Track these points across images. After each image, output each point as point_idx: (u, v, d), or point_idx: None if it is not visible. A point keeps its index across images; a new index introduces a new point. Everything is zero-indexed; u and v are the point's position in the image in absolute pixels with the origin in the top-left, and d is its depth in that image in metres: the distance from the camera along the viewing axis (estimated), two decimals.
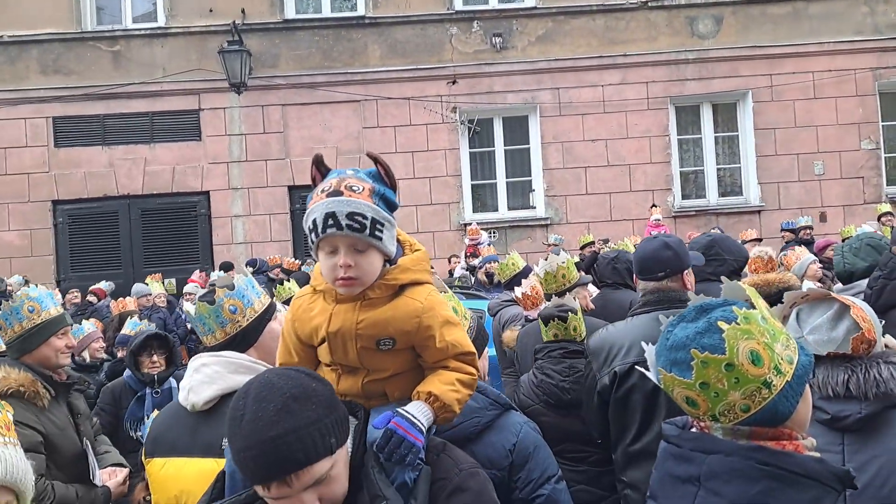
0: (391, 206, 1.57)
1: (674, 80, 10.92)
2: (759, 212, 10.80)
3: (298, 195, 10.86)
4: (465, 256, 9.30)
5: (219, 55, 10.26)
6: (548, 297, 3.81)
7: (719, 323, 1.21)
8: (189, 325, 8.37)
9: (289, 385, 1.28)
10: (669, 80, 10.92)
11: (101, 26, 10.96)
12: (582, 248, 9.28)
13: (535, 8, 10.94)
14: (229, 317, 1.94)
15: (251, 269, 9.59)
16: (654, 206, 10.32)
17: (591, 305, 4.00)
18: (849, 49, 10.82)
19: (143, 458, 1.96)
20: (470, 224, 9.89)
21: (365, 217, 1.48)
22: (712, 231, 8.49)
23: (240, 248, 10.75)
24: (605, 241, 9.29)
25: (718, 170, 11.18)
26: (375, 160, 1.60)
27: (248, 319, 1.96)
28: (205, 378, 1.89)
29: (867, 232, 4.22)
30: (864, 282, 3.27)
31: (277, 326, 1.98)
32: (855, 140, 10.84)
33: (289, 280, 7.38)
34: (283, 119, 10.88)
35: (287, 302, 6.65)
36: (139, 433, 3.71)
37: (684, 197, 11.09)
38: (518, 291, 4.19)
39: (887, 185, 10.93)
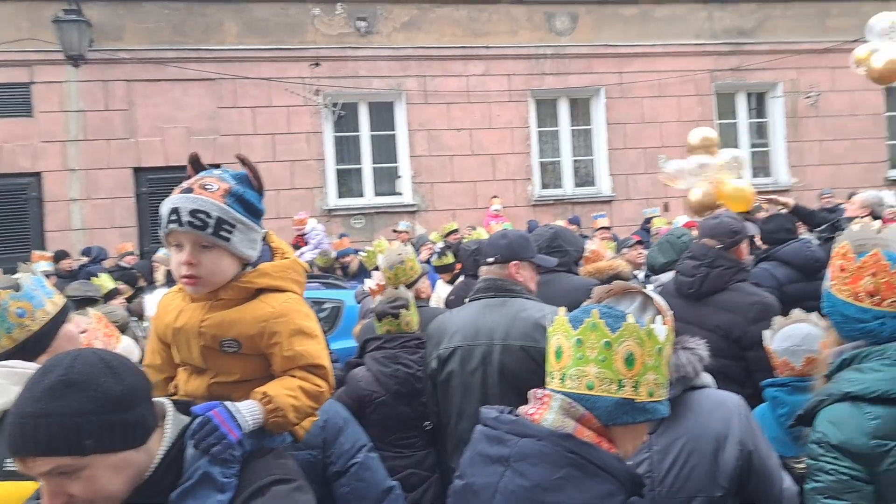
0: (252, 210, 1.55)
1: (534, 74, 11.26)
2: (610, 201, 11.41)
3: (145, 177, 10.11)
4: (294, 248, 9.03)
5: (53, 24, 9.27)
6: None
7: (627, 316, 1.31)
8: None
9: (76, 369, 1.15)
10: (530, 74, 11.24)
11: None
12: (446, 235, 9.36)
13: None
14: (16, 321, 1.72)
15: (87, 259, 8.81)
16: (494, 196, 10.54)
17: None
18: (690, 51, 11.67)
19: None
20: (300, 216, 9.61)
21: (209, 215, 1.47)
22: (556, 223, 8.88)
23: (77, 234, 9.83)
24: (474, 228, 9.43)
25: (574, 161, 11.70)
26: (243, 162, 1.60)
27: (39, 323, 1.75)
28: None
29: (677, 228, 4.62)
30: (667, 275, 3.60)
31: (73, 329, 1.83)
32: None
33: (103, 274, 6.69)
34: (129, 96, 10.06)
35: (108, 296, 6.09)
36: None
37: (543, 186, 11.50)
38: (368, 283, 4.16)
39: None
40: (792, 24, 11.98)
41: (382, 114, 11.09)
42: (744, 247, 3.38)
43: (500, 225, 8.94)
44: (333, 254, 8.78)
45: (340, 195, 10.89)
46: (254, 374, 1.56)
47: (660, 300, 1.87)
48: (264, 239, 1.66)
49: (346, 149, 11.05)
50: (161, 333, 1.62)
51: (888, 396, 1.51)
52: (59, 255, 8.71)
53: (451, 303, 4.44)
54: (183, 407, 1.37)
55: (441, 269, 6.06)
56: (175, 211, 1.47)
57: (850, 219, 5.38)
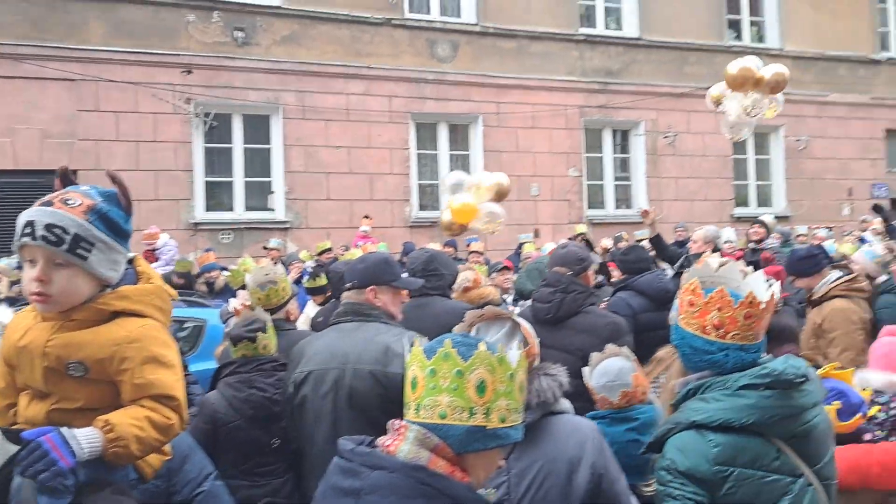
0: (116, 230, 1.49)
1: (414, 98, 11.41)
2: None
3: None
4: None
5: None
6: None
7: (480, 344, 1.32)
8: None
9: None
10: (411, 97, 11.39)
11: None
12: (319, 254, 9.21)
13: (280, 7, 10.68)
14: None
15: None
16: (365, 216, 10.44)
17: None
18: (562, 87, 12.28)
19: None
20: (152, 229, 9.00)
21: (66, 231, 1.39)
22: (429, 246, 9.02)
23: None
24: (347, 248, 9.34)
25: None
26: (113, 179, 1.54)
27: None
28: None
29: (546, 255, 4.82)
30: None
31: None
32: (564, 167, 12.33)
33: None
34: None
35: None
36: None
37: (421, 208, 11.63)
38: (233, 303, 4.01)
39: (588, 208, 12.59)
40: (653, 69, 12.92)
41: (257, 127, 10.81)
42: (590, 273, 3.60)
43: (369, 246, 8.94)
44: (192, 257, 8.36)
45: (209, 208, 10.46)
46: (99, 403, 1.47)
47: (527, 326, 1.93)
48: (131, 262, 1.59)
49: (218, 161, 10.66)
50: (6, 355, 1.52)
51: (729, 424, 1.61)
52: None
53: (318, 325, 4.37)
54: (14, 435, 1.29)
55: (313, 291, 5.94)
56: (30, 224, 1.39)
57: (697, 255, 5.86)
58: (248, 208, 10.71)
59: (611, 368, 2.33)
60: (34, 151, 9.38)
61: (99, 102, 9.76)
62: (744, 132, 7.26)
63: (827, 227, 11.12)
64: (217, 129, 10.47)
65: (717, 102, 7.73)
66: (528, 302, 4.03)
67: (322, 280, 5.75)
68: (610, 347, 2.42)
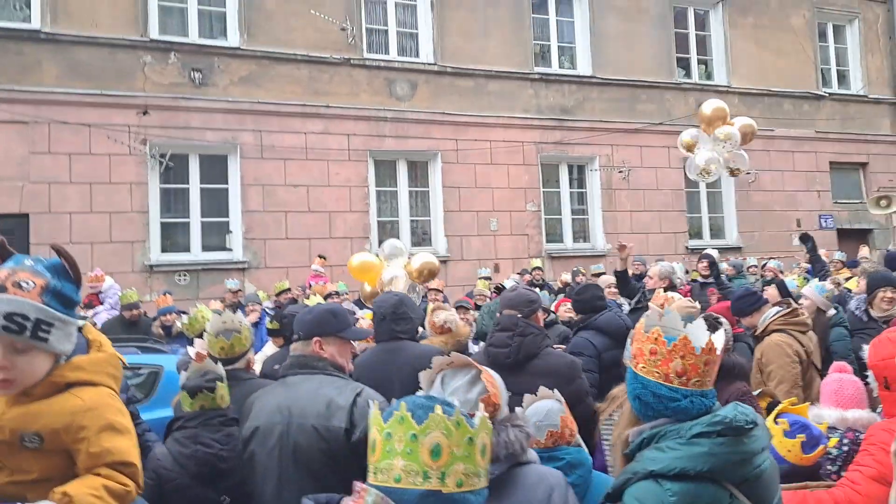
0: (68, 303, 1.49)
1: (373, 136, 11.52)
2: (445, 261, 11.78)
3: None
4: (84, 306, 8.19)
5: None
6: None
7: (437, 406, 1.34)
8: None
9: None
10: (369, 135, 11.49)
11: None
12: (278, 294, 9.14)
13: (238, 48, 10.75)
14: None
15: None
16: (320, 256, 10.43)
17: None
18: (518, 124, 12.53)
19: None
20: (97, 273, 8.78)
21: (26, 318, 1.39)
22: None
23: None
24: (309, 287, 9.29)
25: (412, 221, 12.02)
26: (59, 252, 1.52)
27: None
28: None
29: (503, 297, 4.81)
30: None
31: None
32: (522, 202, 12.52)
33: None
34: None
35: None
36: None
37: (380, 245, 11.60)
38: (191, 352, 3.94)
39: (546, 242, 12.77)
40: (606, 106, 13.28)
41: (215, 167, 10.78)
42: (540, 314, 3.66)
43: (324, 287, 8.95)
44: (148, 299, 8.21)
45: (164, 249, 10.35)
46: (53, 474, 1.46)
47: (492, 374, 1.95)
48: (80, 330, 1.59)
49: (173, 201, 10.59)
50: None
51: (684, 473, 1.65)
52: None
53: (270, 371, 4.30)
54: None
55: (273, 333, 5.89)
56: None
57: (652, 290, 5.99)
58: (206, 248, 10.62)
59: (540, 409, 2.36)
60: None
61: (51, 144, 9.64)
62: (711, 175, 7.64)
63: (776, 259, 11.46)
64: (174, 169, 10.41)
65: (689, 148, 8.11)
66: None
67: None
68: (543, 390, 2.46)
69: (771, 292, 5.64)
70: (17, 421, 1.44)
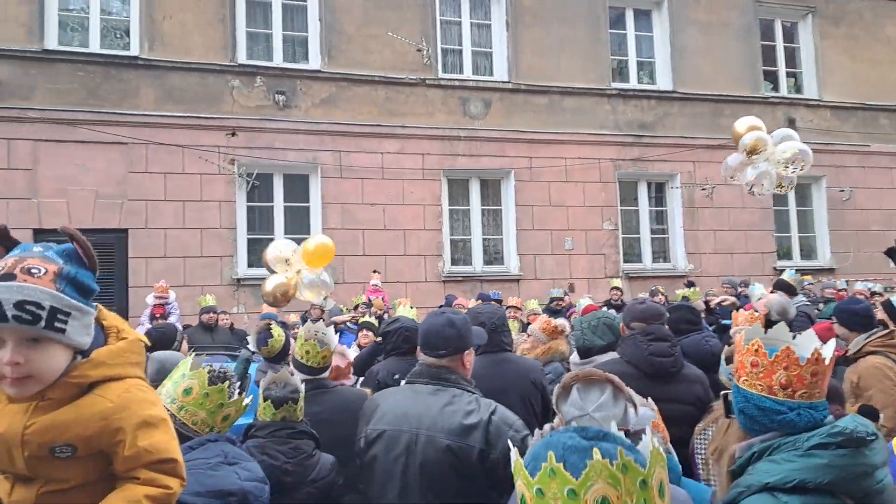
0: (85, 291, 1.38)
1: (447, 155, 11.67)
2: (518, 280, 11.76)
3: (45, 239, 9.72)
4: (153, 318, 8.68)
5: None
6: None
7: (595, 449, 1.07)
8: None
9: None
10: (443, 154, 11.65)
11: None
12: (355, 307, 9.43)
13: (319, 71, 11.17)
14: None
15: None
16: (375, 271, 10.63)
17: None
18: (595, 141, 12.38)
19: None
20: (162, 283, 9.35)
21: (40, 306, 1.28)
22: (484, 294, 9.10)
23: None
24: (367, 304, 9.51)
25: (484, 240, 12.06)
26: (72, 237, 1.39)
27: None
28: None
29: (604, 311, 4.63)
30: (603, 357, 3.59)
31: None
32: (598, 221, 12.33)
33: None
34: (34, 155, 9.85)
35: None
36: None
37: (453, 263, 11.75)
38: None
39: (624, 262, 12.50)
40: (688, 121, 12.93)
41: (297, 186, 11.21)
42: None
43: (378, 300, 9.26)
44: (235, 311, 8.64)
45: (250, 264, 10.82)
46: (91, 478, 1.39)
47: (628, 389, 1.92)
48: (95, 318, 1.44)
49: (258, 219, 11.07)
50: None
51: (803, 485, 1.58)
52: None
53: (379, 381, 4.30)
54: None
55: (366, 325, 6.52)
56: None
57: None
58: None
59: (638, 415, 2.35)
60: (87, 211, 9.92)
61: (148, 164, 10.30)
62: (764, 187, 7.24)
63: (873, 280, 10.80)
64: (259, 188, 10.90)
65: (752, 151, 7.79)
66: (595, 359, 3.62)
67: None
68: (638, 396, 2.44)
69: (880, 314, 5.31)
70: (45, 434, 1.33)
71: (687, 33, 13.05)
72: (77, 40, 10.41)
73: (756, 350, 1.72)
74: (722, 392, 1.95)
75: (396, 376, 4.32)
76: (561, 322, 4.65)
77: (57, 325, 1.30)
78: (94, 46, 10.38)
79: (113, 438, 1.37)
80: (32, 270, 1.30)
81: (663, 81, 13.04)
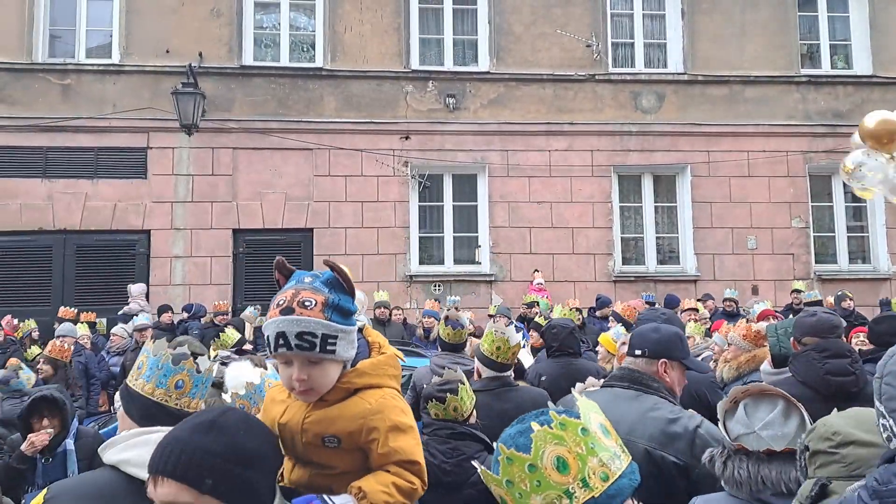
0: (346, 313, 1.62)
1: (617, 151, 11.35)
2: (695, 281, 11.14)
3: (242, 238, 10.78)
4: None
5: (172, 96, 10.22)
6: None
7: (532, 423, 1.24)
8: (112, 369, 8.09)
9: (224, 417, 1.31)
10: (613, 150, 11.34)
11: (52, 58, 10.85)
12: (528, 306, 9.44)
13: (488, 73, 11.32)
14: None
15: (187, 315, 9.42)
16: (536, 270, 10.63)
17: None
18: (782, 132, 11.46)
19: None
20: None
21: (314, 335, 1.54)
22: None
23: (178, 289, 10.52)
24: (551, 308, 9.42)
25: (657, 238, 11.56)
26: (332, 268, 1.64)
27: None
28: None
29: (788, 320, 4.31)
30: (775, 376, 3.36)
31: None
32: (786, 218, 11.38)
33: (226, 328, 7.32)
34: (234, 162, 10.86)
35: (239, 349, 6.63)
36: None
37: (624, 262, 11.39)
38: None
39: (816, 262, 11.44)
40: (891, 108, 11.53)
41: (466, 185, 11.43)
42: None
43: (542, 298, 9.11)
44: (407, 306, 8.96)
45: (421, 261, 11.18)
46: (353, 467, 1.63)
47: (800, 405, 1.82)
48: (360, 331, 1.73)
49: (429, 218, 11.41)
50: (269, 424, 1.66)
51: None
52: (162, 309, 9.36)
53: (539, 382, 4.27)
54: (287, 494, 1.51)
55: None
56: (282, 335, 1.53)
57: None
58: (457, 261, 11.27)
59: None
60: (278, 212, 10.78)
61: (331, 168, 10.99)
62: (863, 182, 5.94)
63: None
64: (430, 188, 11.25)
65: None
66: (784, 370, 3.46)
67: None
68: None
69: None
70: (318, 425, 1.61)
71: (889, 12, 11.71)
72: (270, 55, 11.35)
73: None
74: None
75: (543, 378, 4.30)
76: (762, 326, 4.29)
77: (328, 347, 1.57)
78: (284, 60, 11.26)
79: (369, 436, 1.61)
80: (306, 303, 1.56)
81: (861, 66, 11.79)
